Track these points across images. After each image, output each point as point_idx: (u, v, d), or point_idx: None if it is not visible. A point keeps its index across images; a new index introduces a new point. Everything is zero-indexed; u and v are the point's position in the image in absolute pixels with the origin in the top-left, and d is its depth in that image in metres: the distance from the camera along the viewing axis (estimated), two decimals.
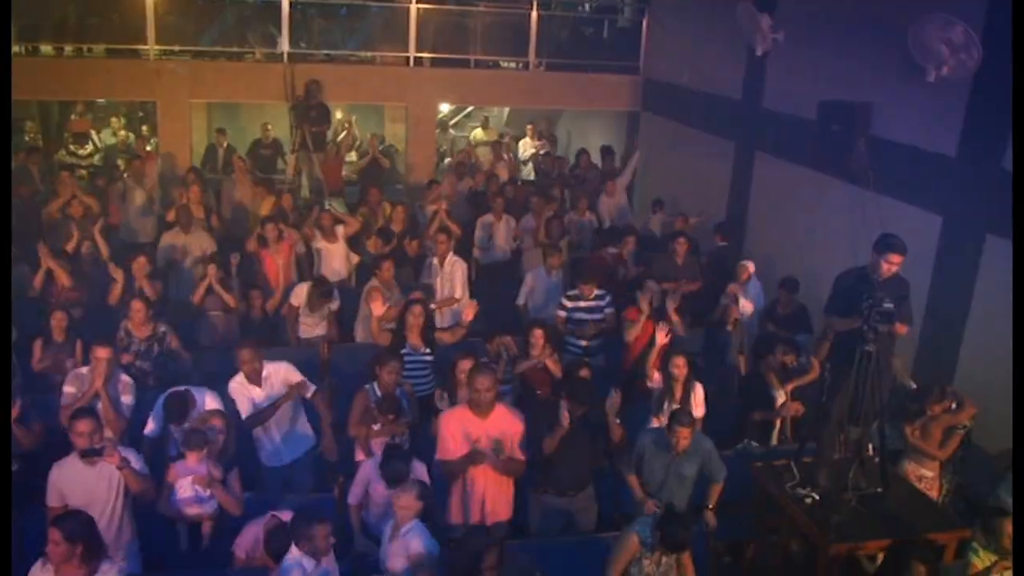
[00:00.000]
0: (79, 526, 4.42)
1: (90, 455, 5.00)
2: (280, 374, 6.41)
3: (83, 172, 12.80)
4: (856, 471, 6.02)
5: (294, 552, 4.71)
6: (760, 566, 6.60)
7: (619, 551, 5.13)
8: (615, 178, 12.37)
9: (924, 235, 7.99)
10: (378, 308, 7.32)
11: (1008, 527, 5.07)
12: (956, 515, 6.21)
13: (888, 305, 5.41)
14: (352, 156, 15.19)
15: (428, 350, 7.22)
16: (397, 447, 5.83)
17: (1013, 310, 6.32)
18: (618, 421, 5.98)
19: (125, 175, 11.45)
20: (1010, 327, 6.97)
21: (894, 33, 7.94)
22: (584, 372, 6.72)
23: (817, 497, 5.99)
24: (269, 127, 14.07)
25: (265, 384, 6.34)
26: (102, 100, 15.33)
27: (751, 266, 8.95)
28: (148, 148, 13.14)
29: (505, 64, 14.74)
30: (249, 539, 5.36)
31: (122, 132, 14.67)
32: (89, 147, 13.75)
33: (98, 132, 14.67)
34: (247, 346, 6.45)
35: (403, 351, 6.99)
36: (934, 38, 7.51)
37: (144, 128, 14.81)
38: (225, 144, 13.49)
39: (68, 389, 6.24)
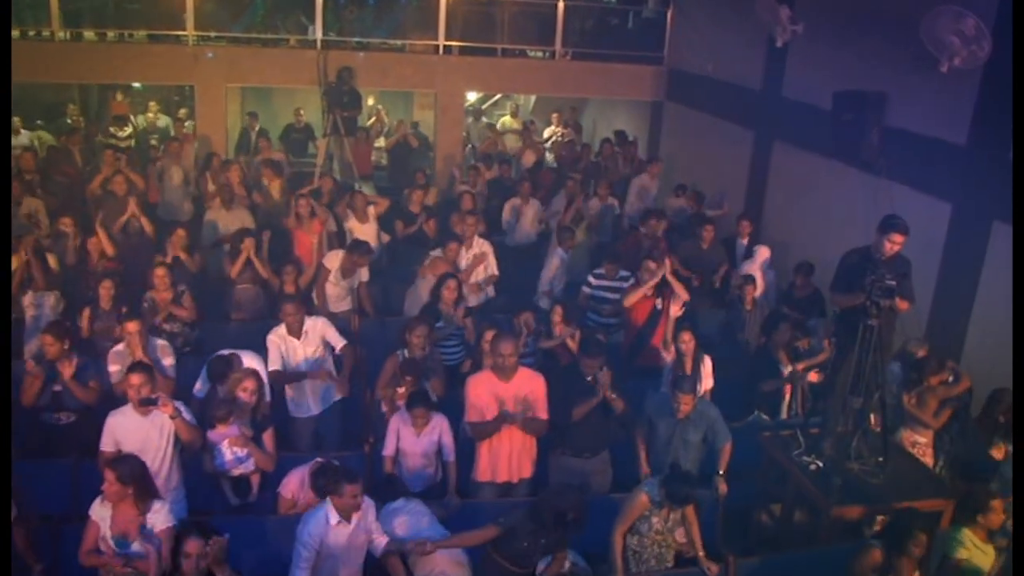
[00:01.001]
0: (132, 469, 4.85)
1: (147, 404, 5.43)
2: (318, 328, 6.94)
3: (122, 153, 13.26)
4: (859, 441, 6.35)
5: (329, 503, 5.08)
6: (766, 533, 6.98)
7: (628, 508, 5.49)
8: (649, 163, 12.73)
9: (934, 221, 8.29)
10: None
11: (998, 505, 5.33)
12: (951, 484, 6.51)
13: (890, 282, 5.74)
14: (380, 142, 15.65)
15: (464, 323, 7.61)
16: (418, 394, 6.19)
17: (1013, 316, 6.55)
18: (614, 395, 6.29)
19: (162, 155, 11.85)
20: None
21: (907, 25, 8.18)
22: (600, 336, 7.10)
23: (821, 464, 6.34)
24: (301, 112, 14.52)
25: (304, 338, 6.83)
26: (138, 85, 15.81)
27: (766, 251, 9.28)
28: (185, 130, 13.61)
29: (532, 53, 15.05)
30: (294, 482, 5.79)
31: (159, 115, 15.10)
32: (128, 129, 14.23)
33: (135, 115, 15.19)
34: (291, 300, 6.94)
35: (437, 323, 7.39)
36: (946, 30, 7.77)
37: (180, 111, 15.23)
38: (257, 128, 13.93)
39: (112, 368, 6.66)
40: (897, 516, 5.20)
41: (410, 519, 5.49)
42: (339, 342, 7.03)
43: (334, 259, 8.69)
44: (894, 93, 8.88)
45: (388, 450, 6.20)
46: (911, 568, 4.94)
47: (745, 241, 10.19)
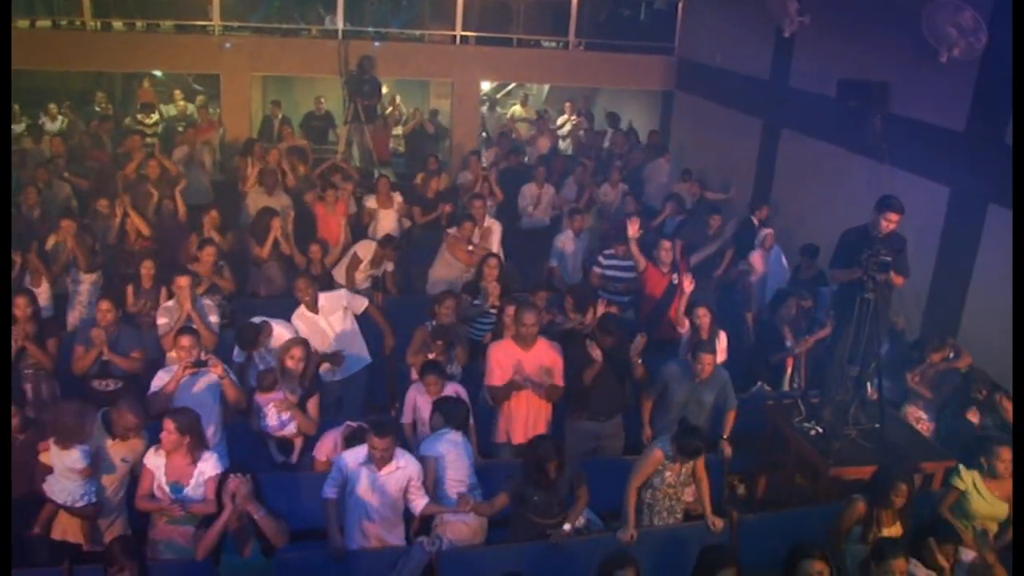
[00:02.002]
0: (188, 420, 5.29)
1: (198, 366, 5.89)
2: (333, 300, 7.46)
3: (149, 139, 13.71)
4: (856, 408, 6.76)
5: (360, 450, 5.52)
6: (768, 496, 7.39)
7: (643, 464, 5.89)
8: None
9: (933, 204, 8.68)
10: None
11: (1005, 453, 5.73)
12: (949, 451, 6.90)
13: (886, 257, 6.14)
14: (398, 130, 16.08)
15: (497, 304, 7.95)
16: (433, 363, 6.60)
17: (1013, 312, 6.80)
18: (640, 361, 6.73)
19: (187, 141, 12.28)
20: (1008, 287, 7.67)
21: (908, 17, 8.53)
22: (613, 309, 7.50)
23: (821, 430, 6.74)
24: (322, 100, 14.94)
25: (322, 311, 7.28)
26: (158, 73, 16.26)
27: (769, 233, 9.68)
28: (211, 117, 14.06)
29: (546, 44, 15.45)
30: (328, 444, 6.23)
31: (183, 103, 15.53)
32: (155, 116, 14.67)
33: (161, 103, 15.65)
34: (303, 276, 7.48)
35: (475, 301, 7.84)
36: (945, 22, 8.13)
37: (199, 99, 15.63)
38: (280, 115, 14.36)
39: (161, 320, 7.17)
40: (881, 469, 5.57)
41: (458, 459, 5.85)
42: (360, 305, 7.52)
43: (367, 249, 9.12)
44: (896, 82, 9.24)
45: (406, 419, 6.60)
46: (892, 518, 5.32)
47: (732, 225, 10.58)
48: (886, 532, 5.27)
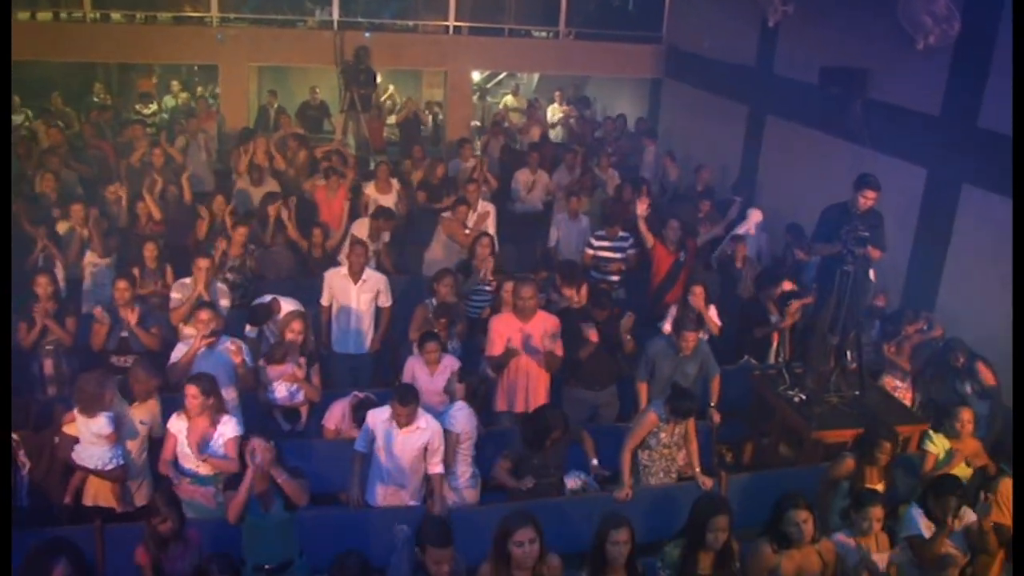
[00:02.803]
0: (210, 385, 5.65)
1: (211, 336, 6.26)
2: (375, 280, 7.83)
3: (149, 128, 14.00)
4: (838, 376, 7.16)
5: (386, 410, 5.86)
6: (755, 463, 7.78)
7: (638, 426, 6.27)
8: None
9: (911, 185, 9.06)
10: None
11: (965, 414, 6.13)
12: (924, 416, 7.29)
13: (864, 232, 6.53)
14: (391, 120, 16.39)
15: (491, 279, 8.34)
16: (431, 333, 6.94)
17: (1013, 307, 6.96)
18: (629, 336, 7.10)
19: (187, 131, 12.56)
20: (983, 260, 8.12)
21: (886, 6, 8.87)
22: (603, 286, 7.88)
23: (804, 397, 7.13)
24: (317, 90, 15.22)
25: (362, 284, 7.68)
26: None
27: (758, 213, 10.06)
28: (211, 107, 14.33)
29: (537, 33, 15.76)
30: (337, 414, 6.58)
31: (182, 94, 15.82)
32: (153, 106, 14.98)
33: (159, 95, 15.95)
34: (359, 244, 7.82)
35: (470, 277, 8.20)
36: (920, 10, 8.49)
37: (199, 90, 15.93)
38: (276, 105, 14.66)
39: (174, 295, 7.53)
40: (868, 429, 5.94)
41: (472, 432, 6.25)
42: (387, 301, 7.89)
43: (362, 227, 9.44)
44: (875, 69, 9.61)
45: None
46: (878, 475, 5.70)
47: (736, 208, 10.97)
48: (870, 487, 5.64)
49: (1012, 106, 7.33)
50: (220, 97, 14.44)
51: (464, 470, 6.25)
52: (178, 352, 6.51)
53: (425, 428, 5.86)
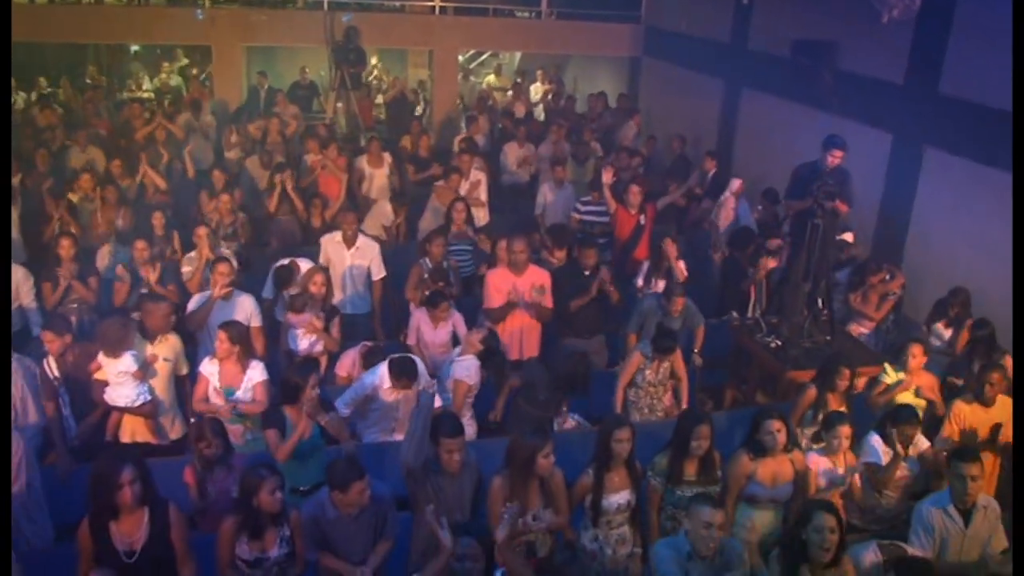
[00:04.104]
0: (239, 331, 6.15)
1: (231, 286, 6.78)
2: (370, 248, 8.27)
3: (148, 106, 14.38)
4: (810, 324, 7.74)
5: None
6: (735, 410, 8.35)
7: (627, 366, 6.86)
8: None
9: (877, 149, 9.65)
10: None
11: (914, 348, 6.69)
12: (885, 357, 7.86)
13: (832, 188, 7.09)
14: (379, 99, 16.85)
15: (469, 239, 8.90)
16: (440, 292, 7.44)
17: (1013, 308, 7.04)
18: (613, 288, 7.68)
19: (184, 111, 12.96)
20: (945, 216, 8.73)
21: None
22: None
23: (780, 343, 7.71)
24: (307, 70, 15.65)
25: (355, 250, 8.11)
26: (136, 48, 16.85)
27: (738, 182, 10.64)
28: (205, 88, 14.74)
29: (520, 13, 16.25)
30: (348, 362, 7.08)
31: (174, 75, 16.20)
32: (145, 86, 15.37)
33: (151, 77, 16.32)
34: (351, 211, 8.28)
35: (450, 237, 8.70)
36: None
37: (194, 71, 16.29)
38: (266, 85, 15.06)
39: (185, 269, 8.02)
40: (826, 359, 6.52)
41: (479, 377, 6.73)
42: (379, 273, 8.33)
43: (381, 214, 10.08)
44: (843, 41, 10.18)
45: (411, 339, 7.43)
46: (839, 400, 6.24)
47: (711, 173, 11.58)
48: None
49: (1012, 90, 7.74)
50: (214, 78, 14.81)
51: (465, 412, 6.78)
52: (196, 302, 6.98)
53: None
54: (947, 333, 7.76)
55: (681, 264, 8.45)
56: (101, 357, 6.10)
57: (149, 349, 6.33)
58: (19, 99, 14.40)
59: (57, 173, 10.18)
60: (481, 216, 10.35)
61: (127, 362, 6.05)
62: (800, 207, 7.40)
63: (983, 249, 8.33)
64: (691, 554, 4.39)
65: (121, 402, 6.15)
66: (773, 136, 11.86)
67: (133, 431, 6.25)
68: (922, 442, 5.83)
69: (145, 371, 6.19)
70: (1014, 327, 6.99)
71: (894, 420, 5.72)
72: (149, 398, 6.18)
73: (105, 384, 6.17)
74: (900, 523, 5.59)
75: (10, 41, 7.47)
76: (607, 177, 9.35)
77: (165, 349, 6.41)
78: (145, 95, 14.97)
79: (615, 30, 15.86)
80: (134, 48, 17.26)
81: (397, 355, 6.38)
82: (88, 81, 15.49)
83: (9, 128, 9.04)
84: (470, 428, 6.79)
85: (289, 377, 5.56)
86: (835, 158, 7.25)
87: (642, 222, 9.22)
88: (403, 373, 6.18)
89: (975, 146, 8.47)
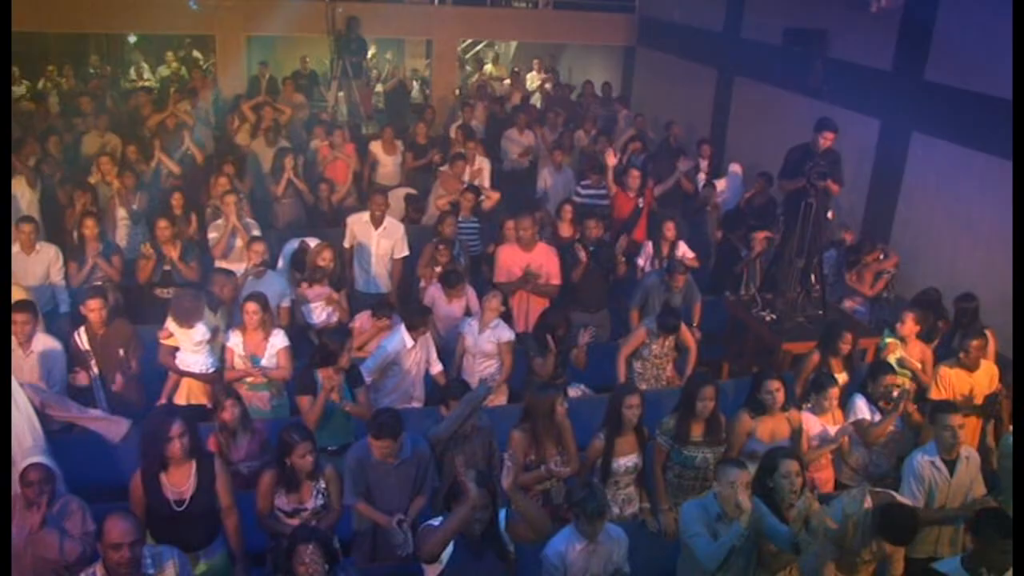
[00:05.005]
0: (264, 301, 6.49)
1: (260, 267, 7.15)
2: (396, 229, 8.57)
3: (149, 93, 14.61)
4: (803, 299, 8.12)
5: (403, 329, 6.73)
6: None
7: (631, 339, 7.22)
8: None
9: (866, 134, 10.06)
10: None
11: (908, 318, 7.06)
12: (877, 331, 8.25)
13: (824, 168, 7.47)
14: (379, 88, 17.15)
15: (475, 219, 9.26)
16: (456, 272, 7.81)
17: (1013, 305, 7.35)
18: (623, 258, 8.05)
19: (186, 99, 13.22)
20: (930, 198, 9.11)
21: None
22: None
23: (774, 316, 8.09)
24: (307, 59, 15.93)
25: (382, 230, 8.44)
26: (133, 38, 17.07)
27: (738, 167, 11.03)
28: (207, 77, 14.99)
29: (517, 3, 16.58)
30: (363, 317, 7.41)
31: (175, 65, 16.47)
32: (147, 75, 15.63)
33: (151, 67, 16.58)
34: (380, 192, 8.59)
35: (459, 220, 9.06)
36: None
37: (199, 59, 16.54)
38: (267, 75, 15.33)
39: (211, 235, 8.39)
40: (829, 325, 6.91)
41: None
42: (402, 252, 8.62)
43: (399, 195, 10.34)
44: (833, 29, 10.58)
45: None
46: (840, 365, 6.65)
47: (705, 162, 11.93)
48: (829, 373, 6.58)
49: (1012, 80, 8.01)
50: (217, 67, 15.08)
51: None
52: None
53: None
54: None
55: (682, 246, 8.81)
56: (173, 327, 6.46)
57: (212, 320, 6.69)
58: (23, 87, 14.66)
59: (72, 159, 10.47)
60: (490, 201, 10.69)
61: (201, 332, 6.45)
62: (793, 187, 7.76)
63: (967, 228, 8.74)
64: (720, 515, 4.60)
65: (196, 369, 6.54)
66: (765, 122, 12.24)
67: (189, 394, 6.59)
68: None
69: (214, 340, 6.59)
70: (1014, 327, 7.22)
71: (872, 376, 6.12)
72: (218, 366, 6.58)
73: (174, 350, 6.55)
74: (890, 483, 5.97)
75: (10, 41, 7.77)
76: (610, 160, 9.71)
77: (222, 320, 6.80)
78: (147, 84, 15.18)
79: (610, 20, 16.19)
80: (132, 38, 17.49)
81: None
82: (92, 71, 15.72)
83: (9, 128, 9.26)
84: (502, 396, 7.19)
85: (325, 343, 5.91)
86: (827, 140, 7.61)
87: (640, 204, 9.59)
88: (418, 318, 6.64)
89: (959, 130, 8.87)
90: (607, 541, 4.59)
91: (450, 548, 4.27)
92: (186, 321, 6.35)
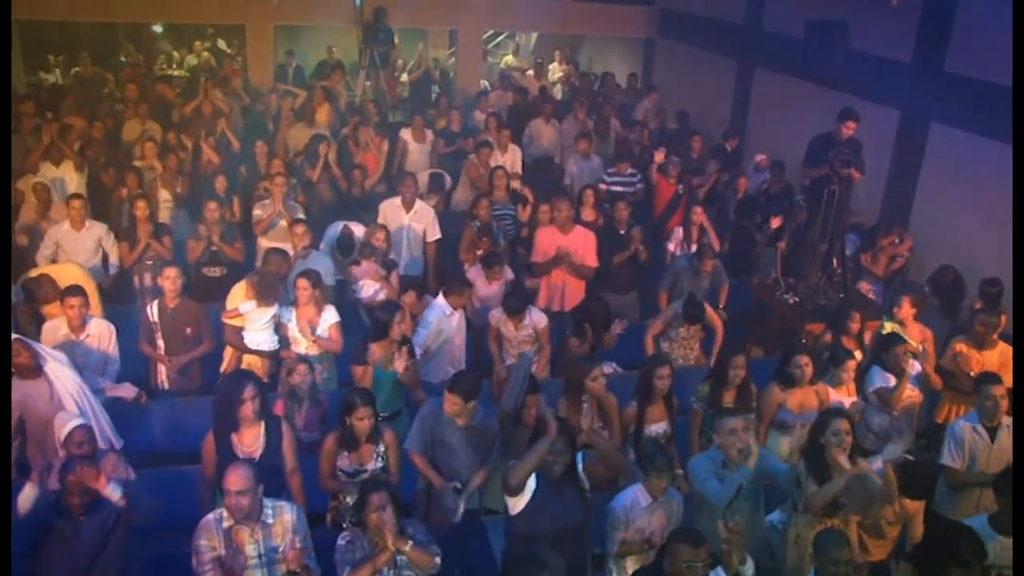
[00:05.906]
0: (316, 278, 6.84)
1: (308, 247, 7.50)
2: (427, 212, 8.92)
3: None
4: (824, 283, 8.44)
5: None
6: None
7: (661, 319, 7.56)
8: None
9: (886, 124, 10.32)
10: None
11: (905, 302, 7.33)
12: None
13: (847, 156, 7.77)
14: (404, 78, 17.45)
15: (511, 206, 9.58)
16: (495, 253, 8.14)
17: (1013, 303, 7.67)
18: (643, 247, 8.40)
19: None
20: (948, 187, 9.40)
21: None
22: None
23: (797, 299, 8.42)
24: (334, 49, 16.23)
25: (413, 215, 8.78)
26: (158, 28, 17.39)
27: (763, 156, 11.33)
28: (234, 65, 15.30)
29: None
30: (410, 299, 7.74)
31: (204, 54, 16.80)
32: (175, 64, 15.98)
33: (181, 56, 16.94)
34: (410, 175, 8.94)
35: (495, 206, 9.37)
36: None
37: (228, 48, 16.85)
38: (294, 64, 15.67)
39: (256, 212, 8.75)
40: (839, 305, 7.24)
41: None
42: (434, 235, 8.98)
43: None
44: (854, 21, 10.78)
45: None
46: (852, 343, 6.96)
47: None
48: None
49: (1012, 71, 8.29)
50: (247, 56, 15.39)
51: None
52: None
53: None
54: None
55: (711, 231, 9.14)
56: (247, 306, 6.84)
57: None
58: (56, 75, 15.03)
59: (113, 144, 10.84)
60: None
61: (272, 312, 6.86)
62: (817, 174, 8.07)
63: (983, 215, 9.02)
64: (725, 462, 5.02)
65: (265, 347, 6.96)
66: (785, 114, 12.49)
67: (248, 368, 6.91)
68: (915, 365, 6.52)
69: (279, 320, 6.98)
70: (1015, 328, 7.54)
71: (885, 347, 6.44)
72: (279, 344, 6.97)
73: (239, 330, 6.94)
74: (912, 452, 6.30)
75: (10, 42, 8.07)
76: (659, 157, 10.20)
77: None
78: (178, 73, 15.53)
79: (631, 12, 16.41)
80: (158, 28, 17.81)
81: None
82: (124, 59, 16.07)
83: (9, 128, 9.59)
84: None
85: (378, 316, 6.25)
86: (849, 129, 7.92)
87: (680, 191, 9.92)
88: (456, 285, 7.06)
89: (977, 120, 9.15)
90: (668, 500, 4.93)
91: (533, 484, 4.58)
92: (267, 300, 6.71)
